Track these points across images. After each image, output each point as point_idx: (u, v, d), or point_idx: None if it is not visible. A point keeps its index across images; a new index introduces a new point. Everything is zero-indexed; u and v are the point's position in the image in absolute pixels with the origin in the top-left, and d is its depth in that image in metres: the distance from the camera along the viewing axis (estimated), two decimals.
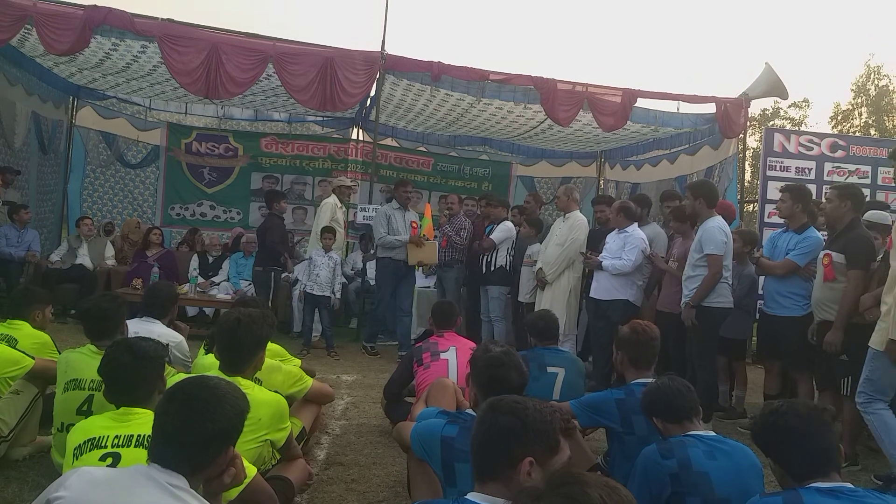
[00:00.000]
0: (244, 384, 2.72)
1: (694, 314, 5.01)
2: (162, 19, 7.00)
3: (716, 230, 5.04)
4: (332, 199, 8.12)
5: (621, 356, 3.29)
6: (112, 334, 3.31)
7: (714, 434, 2.59)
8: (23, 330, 3.85)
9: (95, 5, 6.74)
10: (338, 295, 7.35)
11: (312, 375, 4.02)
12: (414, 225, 7.32)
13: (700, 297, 5.00)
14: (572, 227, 6.62)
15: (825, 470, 2.07)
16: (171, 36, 6.91)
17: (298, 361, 4.22)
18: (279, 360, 3.76)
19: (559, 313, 6.03)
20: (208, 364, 3.27)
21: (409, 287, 7.49)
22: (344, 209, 8.01)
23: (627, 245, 6.02)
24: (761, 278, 5.96)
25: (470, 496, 1.80)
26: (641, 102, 8.08)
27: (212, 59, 6.91)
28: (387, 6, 7.94)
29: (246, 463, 2.12)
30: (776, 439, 2.14)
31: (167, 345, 3.72)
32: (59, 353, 3.63)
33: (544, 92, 7.76)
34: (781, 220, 5.72)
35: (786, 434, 2.11)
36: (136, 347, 2.55)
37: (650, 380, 3.22)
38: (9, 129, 8.31)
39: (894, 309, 3.66)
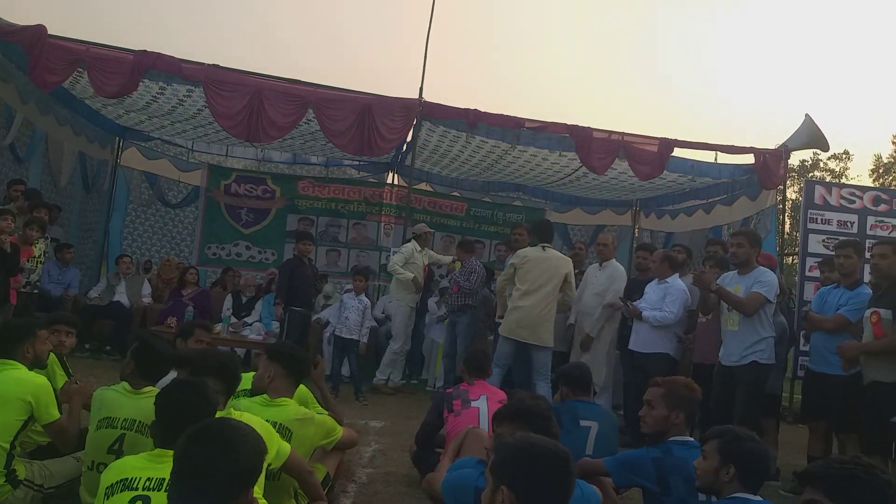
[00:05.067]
0: (234, 415, 2.73)
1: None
2: (208, 65, 7.22)
3: (774, 280, 4.96)
4: (412, 244, 7.95)
5: (681, 415, 3.16)
6: (157, 380, 3.31)
7: (760, 498, 2.47)
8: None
9: (145, 50, 6.97)
10: (365, 339, 7.31)
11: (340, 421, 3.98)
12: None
13: (724, 294, 4.98)
14: (612, 276, 6.50)
15: None
16: (215, 81, 7.12)
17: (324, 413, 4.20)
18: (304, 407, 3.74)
19: (598, 365, 5.91)
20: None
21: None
22: (424, 253, 8.03)
23: (669, 296, 5.88)
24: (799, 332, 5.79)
25: None
26: (678, 152, 8.03)
27: (254, 104, 7.08)
28: (425, 55, 8.10)
29: None
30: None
31: None
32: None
33: (580, 140, 7.76)
34: (820, 275, 5.61)
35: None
36: (204, 391, 2.50)
37: (689, 438, 3.14)
38: (56, 168, 8.59)
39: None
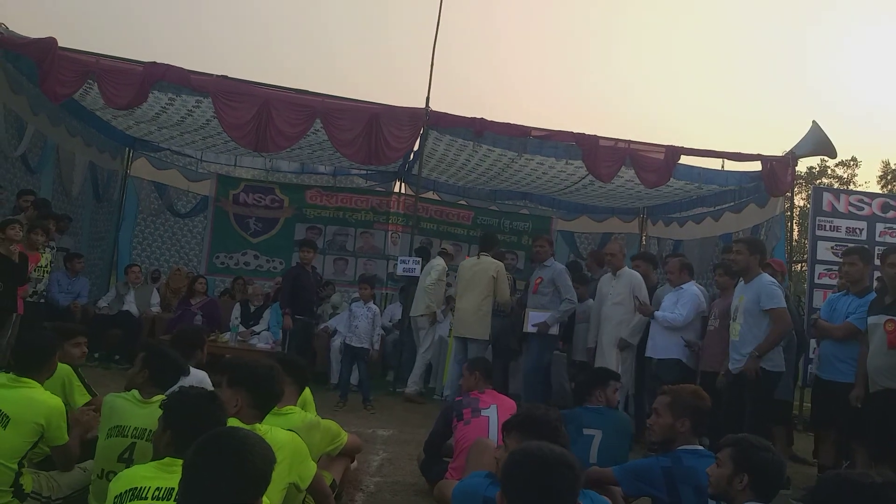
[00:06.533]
0: (261, 429, 2.72)
1: (758, 366, 4.74)
2: (217, 76, 7.27)
3: (773, 286, 4.90)
4: (442, 262, 8.04)
5: (686, 423, 3.14)
6: (168, 388, 3.30)
7: None
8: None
9: (155, 62, 7.02)
10: (376, 346, 7.34)
11: None
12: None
13: (767, 349, 4.76)
14: (630, 284, 6.38)
15: None
16: (224, 91, 7.16)
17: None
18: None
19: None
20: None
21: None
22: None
23: (681, 300, 5.91)
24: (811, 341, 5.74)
25: None
26: (685, 159, 8.02)
27: (262, 114, 7.12)
28: (432, 65, 8.14)
29: None
30: None
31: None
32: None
33: (586, 148, 7.77)
34: (834, 282, 5.55)
35: None
36: (215, 399, 2.53)
37: (699, 447, 3.13)
38: (67, 179, 8.66)
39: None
